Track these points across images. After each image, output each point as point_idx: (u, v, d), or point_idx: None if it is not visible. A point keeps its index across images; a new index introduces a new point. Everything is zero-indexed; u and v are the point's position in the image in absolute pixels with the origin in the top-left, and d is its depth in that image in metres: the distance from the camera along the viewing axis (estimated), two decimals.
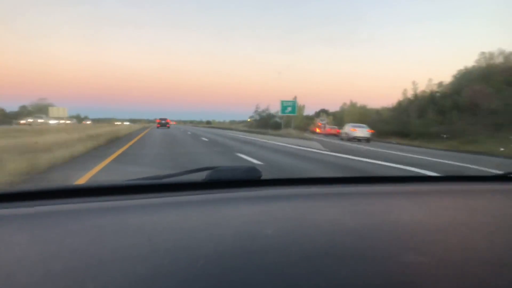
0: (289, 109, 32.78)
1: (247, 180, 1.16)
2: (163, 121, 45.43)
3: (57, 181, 5.27)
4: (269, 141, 17.56)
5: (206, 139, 17.55)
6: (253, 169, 1.20)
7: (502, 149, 15.03)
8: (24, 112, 55.18)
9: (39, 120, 35.55)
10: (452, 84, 32.49)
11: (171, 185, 1.09)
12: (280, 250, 0.61)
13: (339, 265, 0.56)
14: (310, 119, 51.63)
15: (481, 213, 0.90)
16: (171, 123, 56.88)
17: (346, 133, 24.54)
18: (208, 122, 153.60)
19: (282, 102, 32.62)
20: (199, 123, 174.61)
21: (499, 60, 30.85)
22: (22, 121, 37.90)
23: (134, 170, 6.57)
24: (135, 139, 16.02)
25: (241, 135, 26.67)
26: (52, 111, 36.94)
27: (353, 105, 51.81)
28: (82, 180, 5.01)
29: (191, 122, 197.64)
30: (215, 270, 0.53)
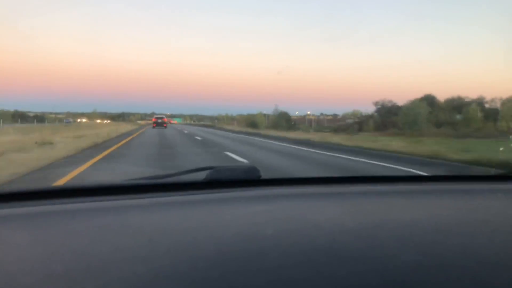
0: None
1: (247, 179, 1.16)
2: (159, 120, 40.33)
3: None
4: None
5: None
6: (252, 168, 1.19)
7: None
8: None
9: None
10: None
11: (171, 185, 1.09)
12: (280, 250, 0.61)
13: (339, 265, 0.56)
14: None
15: (481, 213, 0.90)
16: (173, 122, 52.64)
17: None
18: (253, 125, 50.49)
19: None
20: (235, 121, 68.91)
21: None
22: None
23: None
24: None
25: None
26: None
27: None
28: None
29: (192, 117, 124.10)
30: (216, 271, 0.53)
